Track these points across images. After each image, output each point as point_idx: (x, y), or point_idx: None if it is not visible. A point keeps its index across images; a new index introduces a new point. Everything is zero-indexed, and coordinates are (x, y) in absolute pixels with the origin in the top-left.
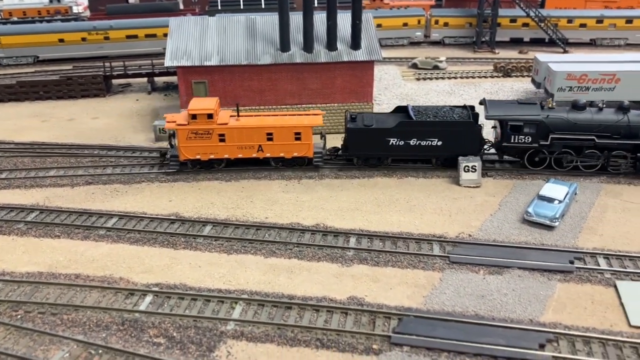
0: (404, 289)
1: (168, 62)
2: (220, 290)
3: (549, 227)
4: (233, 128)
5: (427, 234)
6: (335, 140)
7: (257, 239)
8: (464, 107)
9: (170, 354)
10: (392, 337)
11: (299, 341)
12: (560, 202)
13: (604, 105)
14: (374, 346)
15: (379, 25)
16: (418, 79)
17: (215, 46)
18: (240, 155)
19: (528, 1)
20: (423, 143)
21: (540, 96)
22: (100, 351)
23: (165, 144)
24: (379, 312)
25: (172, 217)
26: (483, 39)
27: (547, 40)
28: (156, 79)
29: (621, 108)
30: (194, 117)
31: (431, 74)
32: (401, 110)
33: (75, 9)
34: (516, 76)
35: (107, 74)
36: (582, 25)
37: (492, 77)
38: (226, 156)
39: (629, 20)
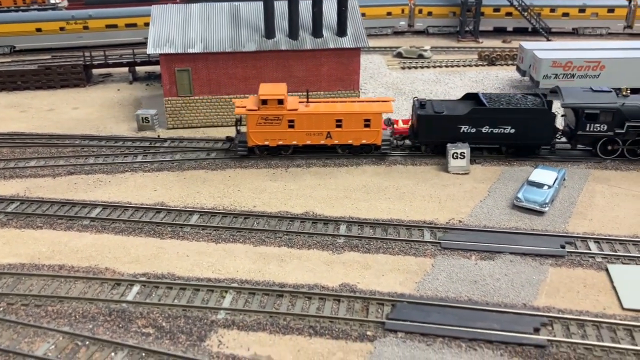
0: (396, 276)
1: (150, 49)
2: (209, 279)
3: (539, 213)
4: (303, 114)
5: (418, 221)
6: None
7: (245, 228)
8: (536, 94)
9: (159, 344)
10: (386, 323)
11: (292, 329)
12: (549, 187)
13: None
14: (368, 332)
15: (362, 15)
16: (403, 68)
17: (198, 33)
18: (308, 142)
19: None
20: (495, 131)
21: (525, 84)
22: (87, 342)
23: (148, 134)
24: (371, 299)
25: (157, 207)
26: (467, 28)
27: (530, 30)
28: (138, 68)
29: None
30: (264, 102)
31: (416, 62)
32: (469, 97)
33: None
34: (500, 65)
35: (87, 63)
36: (565, 15)
37: (476, 65)
38: (294, 142)
39: (611, 10)
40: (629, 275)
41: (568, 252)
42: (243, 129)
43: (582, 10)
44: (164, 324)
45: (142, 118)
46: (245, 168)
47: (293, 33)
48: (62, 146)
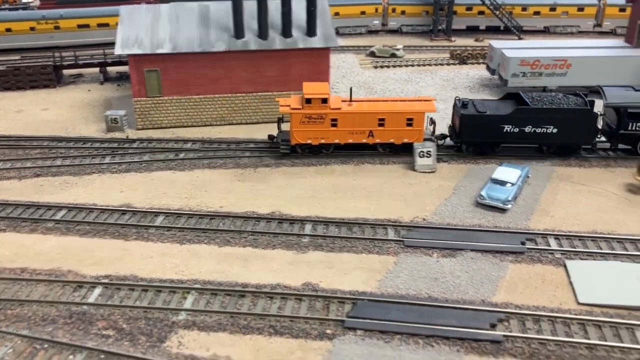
0: (358, 274)
1: (119, 50)
2: (172, 280)
3: (502, 210)
4: (346, 113)
5: (383, 219)
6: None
7: (210, 228)
8: (578, 94)
9: (119, 345)
10: (346, 321)
11: (252, 329)
12: (512, 184)
13: None
14: (328, 331)
15: (336, 14)
16: (376, 67)
17: (167, 34)
18: (350, 141)
19: None
20: (538, 130)
21: (494, 82)
22: (45, 345)
23: (117, 134)
24: (333, 298)
25: (123, 208)
26: (440, 27)
27: (502, 28)
28: (109, 69)
29: None
30: (308, 101)
31: (388, 62)
32: (509, 97)
33: None
34: (472, 63)
35: (57, 64)
36: (536, 13)
37: (448, 64)
38: (336, 141)
39: (581, 8)
40: (586, 270)
41: (528, 248)
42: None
43: (552, 9)
44: (124, 325)
45: (111, 119)
46: (213, 168)
47: (262, 33)
48: (30, 148)
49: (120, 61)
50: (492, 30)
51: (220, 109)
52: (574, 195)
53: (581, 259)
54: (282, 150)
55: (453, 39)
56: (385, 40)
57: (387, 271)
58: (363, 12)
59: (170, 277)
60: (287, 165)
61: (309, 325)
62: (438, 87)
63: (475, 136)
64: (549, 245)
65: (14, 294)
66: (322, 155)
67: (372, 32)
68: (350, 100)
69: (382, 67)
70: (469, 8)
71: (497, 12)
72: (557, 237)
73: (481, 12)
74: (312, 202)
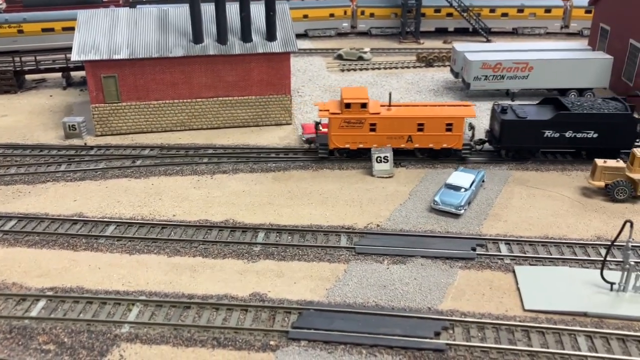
0: (307, 283)
1: (75, 56)
2: (118, 292)
3: (455, 215)
4: (385, 118)
5: (337, 226)
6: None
7: (161, 238)
8: (616, 99)
9: None
10: (290, 332)
11: (195, 341)
12: (466, 190)
13: None
14: (272, 342)
15: (305, 16)
16: (342, 70)
17: (125, 39)
18: (388, 146)
19: None
20: (579, 135)
21: (458, 85)
22: None
23: (75, 141)
24: (279, 308)
25: (74, 218)
26: (408, 30)
27: (471, 30)
28: (73, 74)
29: None
30: (347, 106)
31: (355, 65)
32: (547, 102)
33: None
34: (438, 66)
35: (18, 69)
36: (504, 15)
37: (414, 67)
38: (375, 146)
39: (548, 10)
40: (534, 276)
41: (478, 254)
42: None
43: (520, 10)
44: (65, 339)
45: (69, 126)
46: (170, 175)
47: (221, 38)
48: None
49: (82, 66)
50: (461, 32)
51: (180, 115)
52: (528, 200)
53: (530, 264)
54: (320, 154)
55: (421, 41)
56: (354, 43)
57: (336, 279)
58: (332, 15)
59: (117, 288)
60: (245, 172)
61: (253, 336)
62: (403, 91)
63: (515, 141)
64: (500, 251)
65: None
66: (281, 160)
67: (341, 34)
68: (390, 105)
69: (348, 70)
70: (437, 10)
71: (465, 14)
72: (507, 242)
73: (449, 14)
74: (267, 209)
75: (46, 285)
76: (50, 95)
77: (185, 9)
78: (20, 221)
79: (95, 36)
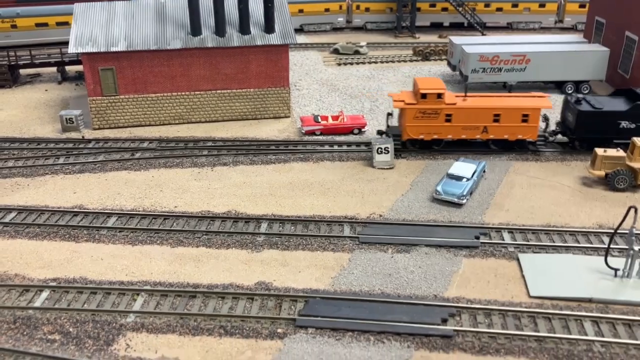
0: (312, 272)
1: (72, 48)
2: (122, 282)
3: (457, 205)
4: (461, 108)
5: (339, 216)
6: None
7: (164, 229)
8: None
9: (64, 350)
10: (297, 319)
11: (202, 330)
12: (468, 179)
13: None
14: (279, 330)
15: (300, 11)
16: (339, 64)
17: (122, 31)
18: (463, 136)
19: None
20: None
21: (456, 78)
22: None
23: (73, 135)
24: (285, 296)
25: (75, 210)
26: (403, 24)
27: (466, 25)
28: (68, 68)
29: None
30: (423, 96)
31: (352, 59)
32: (619, 93)
33: None
34: (434, 59)
35: (13, 63)
36: (499, 9)
37: (411, 61)
38: (449, 137)
39: (542, 5)
40: (538, 263)
41: (482, 242)
42: None
43: (515, 5)
44: (71, 329)
45: (67, 119)
46: (170, 168)
47: (220, 30)
48: None
49: (78, 60)
50: (456, 27)
51: (178, 107)
52: (530, 189)
53: (534, 252)
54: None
55: (417, 35)
56: (349, 38)
57: (341, 268)
58: (327, 9)
59: (120, 278)
60: (245, 164)
61: (260, 324)
62: (400, 84)
63: (590, 132)
64: (503, 239)
65: None
66: (280, 153)
67: (336, 29)
68: (465, 96)
69: (345, 64)
70: (433, 5)
71: (461, 9)
72: (511, 230)
73: (445, 9)
74: (269, 200)
75: (48, 276)
76: (46, 90)
77: (182, 0)
78: (20, 213)
79: (92, 28)
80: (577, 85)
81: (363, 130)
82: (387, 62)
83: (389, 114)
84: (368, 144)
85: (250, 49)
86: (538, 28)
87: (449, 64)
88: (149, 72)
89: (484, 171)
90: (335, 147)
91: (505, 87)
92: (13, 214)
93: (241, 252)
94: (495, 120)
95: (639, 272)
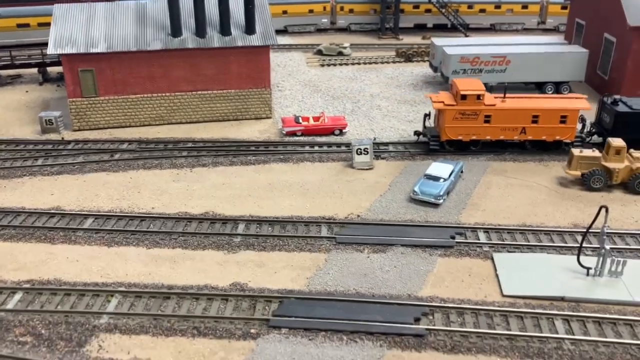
0: (288, 272)
1: (51, 49)
2: (97, 283)
3: (434, 205)
4: (500, 109)
5: (317, 217)
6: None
7: (140, 230)
8: None
9: (36, 352)
10: (271, 320)
11: (175, 331)
12: (445, 180)
13: None
14: (252, 330)
15: (284, 12)
16: (322, 65)
17: (102, 33)
18: (502, 137)
19: None
20: None
21: (438, 80)
22: None
23: (52, 136)
24: (260, 297)
25: (52, 211)
26: (387, 26)
27: (449, 26)
28: (49, 69)
29: None
30: (463, 97)
31: (335, 60)
32: None
33: None
34: (417, 61)
35: None
36: (482, 11)
37: (394, 62)
38: (488, 138)
39: (525, 6)
40: (512, 263)
41: (457, 242)
42: None
43: (497, 6)
44: (43, 331)
45: (46, 120)
46: (149, 169)
47: (200, 31)
48: None
49: (59, 61)
50: (440, 28)
51: (159, 109)
52: (506, 189)
53: (509, 251)
54: (432, 146)
55: (400, 37)
56: (333, 39)
57: (317, 268)
58: (311, 11)
59: (95, 280)
60: (225, 165)
61: (233, 325)
62: (382, 85)
63: (628, 133)
64: (478, 239)
65: None
66: (261, 154)
67: (320, 30)
68: (504, 97)
69: (328, 65)
70: (416, 6)
71: (444, 10)
72: (486, 230)
73: (428, 10)
74: (248, 201)
75: (22, 278)
76: (27, 91)
77: (163, 2)
78: None
79: (72, 29)
80: (557, 86)
81: (344, 131)
82: (370, 63)
83: (426, 115)
84: (348, 144)
85: (231, 50)
86: (521, 29)
87: (430, 65)
88: (129, 74)
89: (462, 171)
90: (316, 147)
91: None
92: None
93: (217, 253)
94: (534, 122)
95: (610, 271)
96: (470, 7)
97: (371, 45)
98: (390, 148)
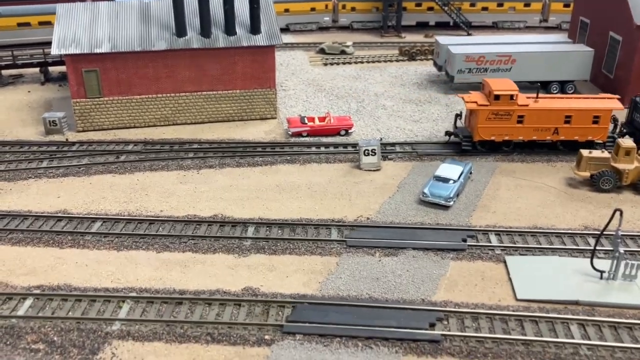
0: (300, 276)
1: (55, 50)
2: (107, 289)
3: (444, 207)
4: (534, 110)
5: (326, 219)
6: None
7: (149, 234)
8: None
9: (49, 359)
10: (285, 326)
11: (189, 337)
12: (454, 181)
13: None
14: (266, 337)
15: (286, 10)
16: (325, 64)
17: (106, 33)
18: (534, 138)
19: None
20: None
21: (442, 79)
22: None
23: (56, 137)
24: (272, 302)
25: (59, 215)
26: (389, 24)
27: (451, 24)
28: (51, 68)
29: None
30: (496, 97)
31: (338, 59)
32: None
33: None
34: (420, 59)
35: None
36: (484, 9)
37: (397, 61)
38: (520, 138)
39: (527, 4)
40: (525, 266)
41: (469, 245)
42: None
43: (500, 4)
44: (55, 338)
45: (50, 121)
46: (155, 171)
47: (205, 31)
48: None
49: (61, 61)
50: (442, 26)
51: (164, 109)
52: (516, 191)
53: (520, 254)
54: (464, 147)
55: (403, 35)
56: (335, 37)
57: (329, 272)
58: (313, 9)
59: (106, 285)
60: (232, 166)
61: (247, 331)
62: (387, 84)
63: None
64: (490, 242)
65: None
66: (267, 155)
67: (322, 28)
68: (537, 97)
69: (331, 64)
70: (419, 4)
71: (446, 8)
72: (497, 233)
73: (430, 8)
74: (256, 203)
75: (32, 283)
76: (29, 91)
77: (167, 1)
78: (2, 219)
79: (75, 29)
80: (562, 85)
81: (350, 131)
82: (373, 62)
83: (458, 115)
84: (355, 145)
85: (236, 50)
86: (523, 27)
87: (435, 64)
88: (133, 74)
89: (471, 172)
90: (322, 148)
91: None
92: None
93: (228, 257)
94: (567, 122)
95: (624, 274)
96: (472, 5)
97: (373, 43)
98: (397, 148)
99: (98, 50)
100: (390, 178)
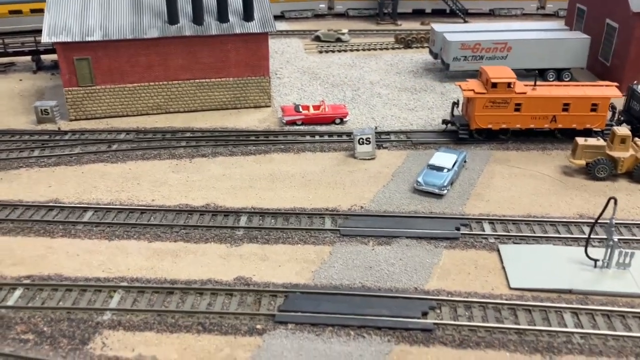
0: (292, 266)
1: (45, 38)
2: (98, 278)
3: (438, 196)
4: (531, 97)
5: (320, 208)
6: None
7: (141, 223)
8: None
9: (38, 350)
10: (277, 315)
11: (180, 327)
12: (448, 170)
13: None
14: (258, 326)
15: None
16: (320, 52)
17: (97, 21)
18: (532, 126)
19: None
20: None
21: (438, 66)
22: None
23: (48, 126)
24: (265, 291)
25: (50, 204)
26: (385, 11)
27: (448, 11)
28: (43, 57)
29: None
30: (494, 85)
31: (334, 46)
32: None
33: None
34: (416, 47)
35: None
36: None
37: (393, 48)
38: (518, 126)
39: None
40: (518, 254)
41: (462, 234)
42: None
43: None
44: (45, 328)
45: (41, 110)
46: (148, 160)
47: (197, 18)
48: None
49: (53, 49)
50: (438, 14)
51: (156, 98)
52: (510, 179)
53: (514, 243)
54: (461, 135)
55: (399, 22)
56: (331, 24)
57: (322, 261)
58: None
59: (97, 275)
60: (225, 155)
61: (239, 321)
62: (382, 72)
63: None
64: (484, 230)
65: None
66: (261, 143)
67: (318, 15)
68: (535, 85)
69: (327, 52)
70: None
71: None
72: (491, 221)
73: None
74: (249, 192)
75: (22, 273)
76: (20, 80)
77: None
78: None
79: (66, 17)
80: (559, 72)
81: (345, 120)
82: (369, 49)
83: (455, 104)
84: (349, 134)
85: (229, 38)
86: (520, 14)
87: (430, 52)
88: (125, 62)
89: (465, 161)
90: (317, 137)
91: None
92: None
93: (220, 247)
94: (565, 110)
95: (618, 263)
96: None
97: (369, 31)
98: (392, 137)
99: (89, 39)
100: (385, 167)
